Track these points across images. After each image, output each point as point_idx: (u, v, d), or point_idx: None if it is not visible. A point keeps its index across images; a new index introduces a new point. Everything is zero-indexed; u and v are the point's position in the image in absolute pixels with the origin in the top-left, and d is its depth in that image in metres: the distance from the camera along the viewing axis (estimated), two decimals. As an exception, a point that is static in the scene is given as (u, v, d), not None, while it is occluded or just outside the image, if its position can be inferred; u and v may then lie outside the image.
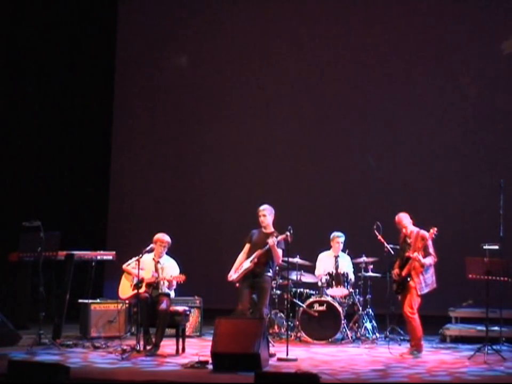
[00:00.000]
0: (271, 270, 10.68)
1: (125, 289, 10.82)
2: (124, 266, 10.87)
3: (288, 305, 11.15)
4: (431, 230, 10.29)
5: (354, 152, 14.35)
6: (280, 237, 10.43)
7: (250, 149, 14.67)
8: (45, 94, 14.59)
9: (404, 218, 10.61)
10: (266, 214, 10.62)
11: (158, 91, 15.09)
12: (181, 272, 10.74)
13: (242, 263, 10.64)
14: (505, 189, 11.11)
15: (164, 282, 10.65)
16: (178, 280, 10.61)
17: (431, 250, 10.38)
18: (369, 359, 10.28)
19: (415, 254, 10.29)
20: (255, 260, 10.51)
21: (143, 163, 15.02)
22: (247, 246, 10.76)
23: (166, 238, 10.82)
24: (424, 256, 10.34)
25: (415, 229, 10.55)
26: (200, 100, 14.88)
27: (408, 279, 10.37)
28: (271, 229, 10.68)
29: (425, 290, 10.41)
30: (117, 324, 11.70)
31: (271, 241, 10.39)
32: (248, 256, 10.66)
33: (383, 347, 11.14)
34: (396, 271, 10.54)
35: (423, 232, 10.47)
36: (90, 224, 14.39)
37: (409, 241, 10.53)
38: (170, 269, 10.79)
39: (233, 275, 10.63)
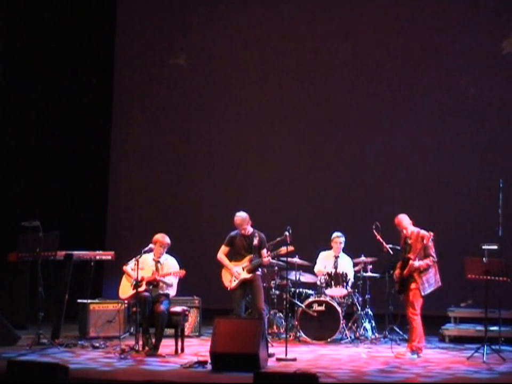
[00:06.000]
0: (260, 269, 10.85)
1: (125, 289, 10.81)
2: (124, 267, 10.86)
3: (287, 305, 11.15)
4: (427, 234, 10.30)
5: (354, 152, 14.33)
6: (269, 253, 10.74)
7: (250, 149, 14.66)
8: (44, 94, 14.57)
9: (404, 220, 10.59)
10: (246, 226, 10.77)
11: (157, 91, 15.07)
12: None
13: (231, 267, 10.73)
14: (504, 189, 11.11)
15: (164, 286, 10.65)
16: (178, 275, 10.61)
17: (431, 251, 10.37)
18: (368, 359, 10.28)
19: (411, 261, 10.29)
20: (250, 267, 10.64)
21: (142, 163, 15.00)
22: (226, 249, 10.87)
23: (166, 239, 10.79)
24: (424, 257, 10.35)
25: (415, 230, 10.54)
26: (199, 100, 14.87)
27: (410, 280, 10.37)
28: (250, 230, 10.79)
29: (429, 290, 10.40)
30: (116, 324, 11.70)
31: (267, 259, 10.71)
32: (230, 259, 10.79)
33: (382, 347, 11.16)
34: (397, 271, 10.53)
35: (423, 232, 10.46)
36: (89, 224, 14.37)
37: (409, 242, 10.52)
38: (171, 266, 10.78)
39: (229, 284, 10.71)
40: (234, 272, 10.66)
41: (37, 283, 10.92)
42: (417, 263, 10.30)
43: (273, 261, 11.38)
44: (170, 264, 10.80)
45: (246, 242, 10.74)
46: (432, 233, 10.30)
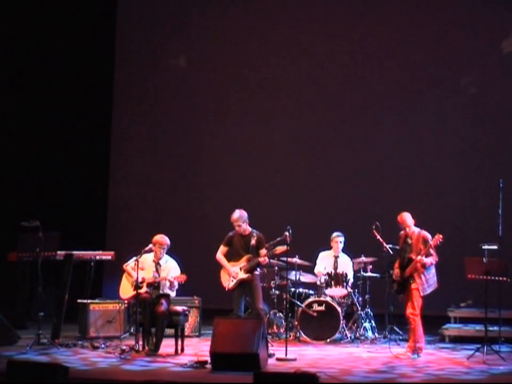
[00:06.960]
0: (258, 269, 10.79)
1: (126, 289, 10.79)
2: (124, 266, 10.85)
3: (287, 305, 11.14)
4: (436, 236, 10.25)
5: (354, 151, 14.34)
6: (266, 252, 10.57)
7: (250, 149, 14.66)
8: (45, 94, 14.58)
9: (408, 218, 10.55)
10: (241, 224, 10.69)
11: (157, 92, 15.08)
12: (180, 272, 10.73)
13: (229, 267, 10.70)
14: (504, 189, 11.11)
15: (166, 283, 10.63)
16: (179, 280, 10.60)
17: (432, 250, 10.36)
18: (368, 359, 10.27)
19: (419, 257, 10.28)
20: (247, 267, 10.59)
21: (142, 163, 15.01)
22: (225, 249, 10.81)
23: (165, 240, 10.77)
24: (425, 256, 10.33)
25: (417, 230, 10.52)
26: (199, 101, 14.88)
27: (410, 280, 10.36)
28: (248, 230, 10.74)
29: (428, 291, 10.39)
30: (116, 324, 11.70)
31: (264, 259, 10.57)
32: (229, 259, 10.74)
33: (382, 347, 11.15)
34: (396, 271, 10.52)
35: (424, 232, 10.44)
36: (89, 224, 14.38)
37: (410, 241, 10.50)
38: (171, 269, 10.77)
39: (227, 284, 10.69)
40: (232, 273, 10.64)
41: (37, 283, 10.92)
42: (424, 259, 10.26)
43: (273, 260, 11.37)
44: (170, 267, 10.78)
45: (244, 242, 10.71)
46: (441, 236, 10.25)
